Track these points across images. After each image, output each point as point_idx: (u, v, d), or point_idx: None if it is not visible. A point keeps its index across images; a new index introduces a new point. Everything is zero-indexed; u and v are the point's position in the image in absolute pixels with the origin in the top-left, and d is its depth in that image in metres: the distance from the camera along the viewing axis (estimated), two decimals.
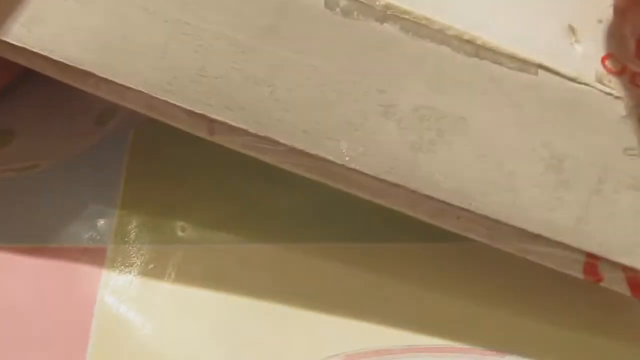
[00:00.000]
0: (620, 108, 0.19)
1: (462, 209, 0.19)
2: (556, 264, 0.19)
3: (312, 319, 0.21)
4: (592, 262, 0.19)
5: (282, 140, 0.19)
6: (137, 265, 0.21)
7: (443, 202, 0.19)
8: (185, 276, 0.21)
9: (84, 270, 0.21)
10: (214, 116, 0.19)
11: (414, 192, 0.19)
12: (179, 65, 0.19)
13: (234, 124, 0.19)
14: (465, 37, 0.19)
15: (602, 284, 0.19)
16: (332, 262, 0.22)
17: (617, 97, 0.19)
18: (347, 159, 0.19)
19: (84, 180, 0.23)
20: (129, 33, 0.19)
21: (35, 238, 0.22)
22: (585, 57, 0.20)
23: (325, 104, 0.19)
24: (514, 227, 0.19)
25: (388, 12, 0.19)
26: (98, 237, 0.22)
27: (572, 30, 0.20)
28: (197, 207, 0.23)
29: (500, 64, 0.19)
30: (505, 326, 0.21)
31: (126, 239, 0.22)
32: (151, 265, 0.21)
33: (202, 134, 0.20)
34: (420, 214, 0.19)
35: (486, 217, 0.19)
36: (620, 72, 0.20)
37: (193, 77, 0.19)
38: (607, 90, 0.19)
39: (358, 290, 0.21)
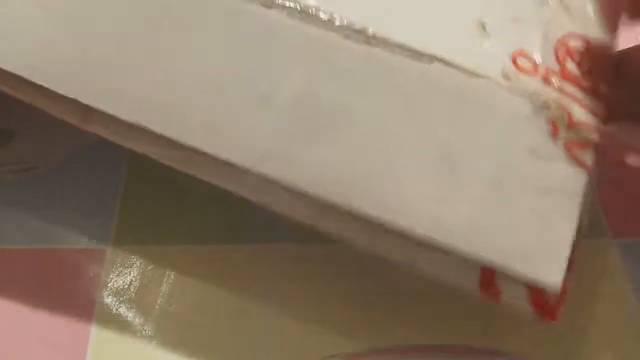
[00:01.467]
0: (525, 107, 0.17)
1: (343, 207, 0.17)
2: (448, 274, 0.17)
3: (312, 318, 0.20)
4: (489, 273, 0.16)
5: (152, 127, 0.17)
6: (137, 266, 0.21)
7: (322, 199, 0.17)
8: (184, 277, 0.21)
9: (84, 270, 0.21)
10: (87, 102, 0.18)
11: (287, 188, 0.17)
12: (58, 51, 0.18)
13: (107, 110, 0.18)
14: (356, 26, 0.18)
15: (500, 300, 0.16)
16: (333, 262, 0.21)
17: (522, 96, 0.18)
18: (217, 148, 0.17)
19: (83, 180, 0.23)
20: (10, 17, 0.18)
21: (35, 238, 0.22)
22: (492, 53, 0.18)
23: (202, 91, 0.18)
24: (398, 228, 0.16)
25: (276, 1, 0.18)
26: (98, 238, 0.22)
27: (482, 26, 0.19)
28: (197, 207, 0.23)
29: (392, 52, 0.18)
30: (503, 326, 0.20)
31: (126, 240, 0.22)
32: (151, 266, 0.21)
33: (75, 121, 0.18)
34: (297, 214, 0.17)
35: (368, 216, 0.17)
36: (532, 70, 0.18)
37: (70, 63, 0.18)
38: (512, 86, 0.18)
39: (358, 290, 0.21)
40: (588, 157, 0.17)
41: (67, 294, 0.20)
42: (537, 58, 0.18)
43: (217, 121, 0.17)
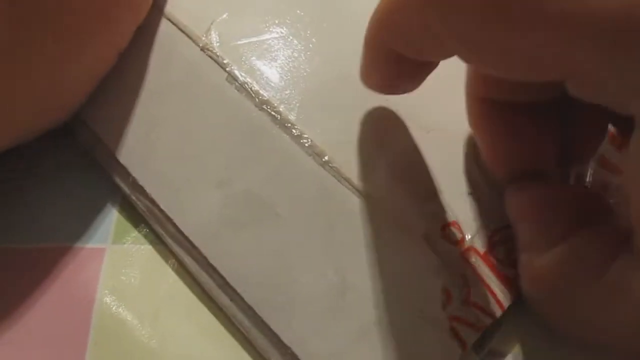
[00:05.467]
0: (429, 271, 0.19)
1: (235, 291, 0.19)
2: None
3: None
4: None
5: (134, 175, 0.21)
6: (136, 265, 0.21)
7: (223, 278, 0.19)
8: (184, 277, 0.21)
9: (84, 270, 0.21)
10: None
11: (204, 257, 0.19)
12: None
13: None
14: (316, 150, 0.20)
15: None
16: None
17: (432, 260, 0.19)
18: (169, 208, 0.20)
19: (84, 180, 0.23)
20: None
21: (35, 238, 0.21)
22: (428, 214, 0.20)
23: (181, 157, 0.21)
24: (271, 330, 0.18)
25: (263, 106, 0.21)
26: (98, 238, 0.22)
27: (434, 189, 0.20)
28: None
29: (339, 182, 0.20)
30: None
31: (125, 239, 0.21)
32: (150, 266, 0.21)
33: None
34: (204, 281, 0.20)
35: (251, 310, 0.19)
36: (457, 242, 0.19)
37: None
38: (428, 248, 0.19)
39: None
40: (470, 338, 0.18)
41: (67, 294, 0.20)
42: (468, 234, 0.19)
43: (181, 186, 0.21)
